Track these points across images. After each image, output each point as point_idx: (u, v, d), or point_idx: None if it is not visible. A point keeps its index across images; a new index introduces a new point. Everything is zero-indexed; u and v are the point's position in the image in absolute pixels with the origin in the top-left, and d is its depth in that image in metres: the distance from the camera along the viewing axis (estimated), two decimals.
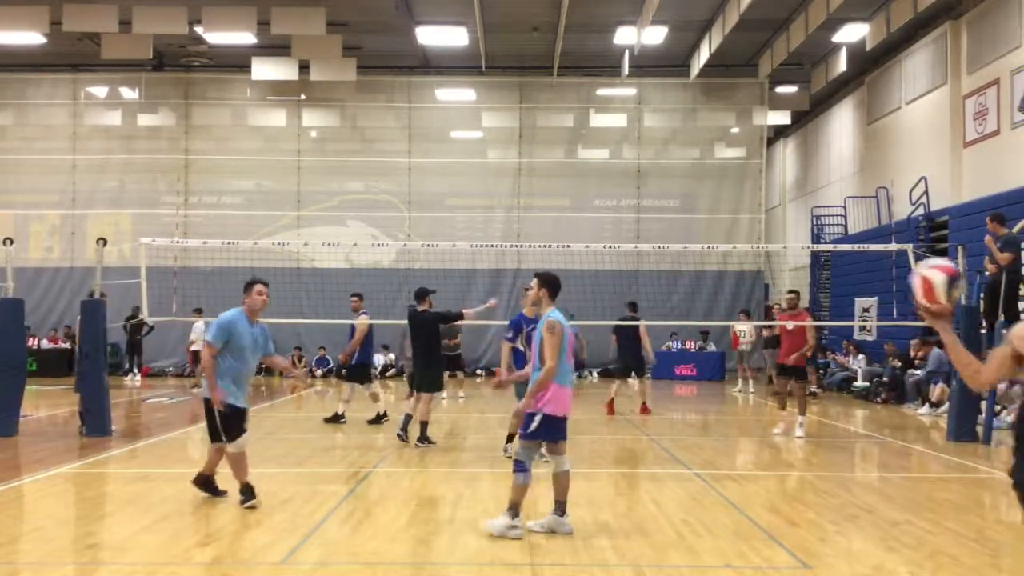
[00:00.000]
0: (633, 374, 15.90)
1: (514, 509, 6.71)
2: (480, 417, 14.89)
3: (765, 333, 20.28)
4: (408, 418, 11.67)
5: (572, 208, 26.38)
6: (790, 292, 14.00)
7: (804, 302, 24.25)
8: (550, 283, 7.10)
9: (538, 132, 26.58)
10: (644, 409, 15.47)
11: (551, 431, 6.82)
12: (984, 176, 18.49)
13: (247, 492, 7.77)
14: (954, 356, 3.98)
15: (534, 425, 6.74)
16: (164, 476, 9.45)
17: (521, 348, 9.77)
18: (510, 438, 10.28)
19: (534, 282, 7.25)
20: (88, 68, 25.70)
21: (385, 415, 13.70)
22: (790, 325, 12.92)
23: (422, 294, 11.89)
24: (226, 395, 7.70)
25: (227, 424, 7.74)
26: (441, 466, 10.23)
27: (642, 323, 15.91)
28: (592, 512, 7.62)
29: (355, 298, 13.83)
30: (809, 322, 13.06)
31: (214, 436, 7.84)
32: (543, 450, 7.46)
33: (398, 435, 11.56)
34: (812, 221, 26.12)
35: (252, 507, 7.62)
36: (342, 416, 13.52)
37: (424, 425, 11.42)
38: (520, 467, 6.73)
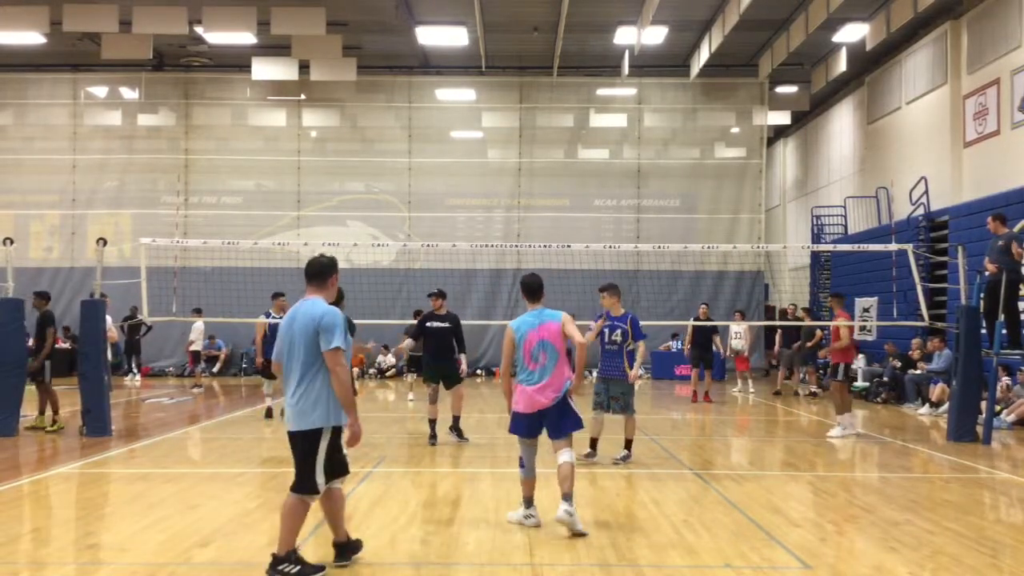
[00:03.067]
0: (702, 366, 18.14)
1: (526, 501, 7.17)
2: (480, 417, 14.89)
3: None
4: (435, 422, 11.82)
5: (572, 208, 26.38)
6: (832, 295, 14.12)
7: (804, 302, 24.36)
8: (529, 286, 7.40)
9: (538, 132, 26.58)
10: (707, 398, 17.94)
11: (513, 427, 7.23)
12: (984, 176, 18.49)
13: (355, 548, 6.08)
14: None
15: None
16: (164, 476, 9.45)
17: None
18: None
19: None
20: (88, 68, 25.70)
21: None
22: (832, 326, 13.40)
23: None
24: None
25: (341, 455, 5.89)
26: (441, 466, 10.24)
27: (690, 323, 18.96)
28: (592, 512, 7.62)
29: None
30: (842, 322, 13.04)
31: (304, 481, 5.74)
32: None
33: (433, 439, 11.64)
34: (812, 221, 26.13)
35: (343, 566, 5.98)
36: None
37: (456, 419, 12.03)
38: (520, 463, 7.23)
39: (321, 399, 5.64)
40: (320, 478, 5.68)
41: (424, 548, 6.42)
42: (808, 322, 20.06)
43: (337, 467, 5.80)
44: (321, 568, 5.75)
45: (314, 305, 5.77)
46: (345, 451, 5.89)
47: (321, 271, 5.94)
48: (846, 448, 11.91)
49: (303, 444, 5.68)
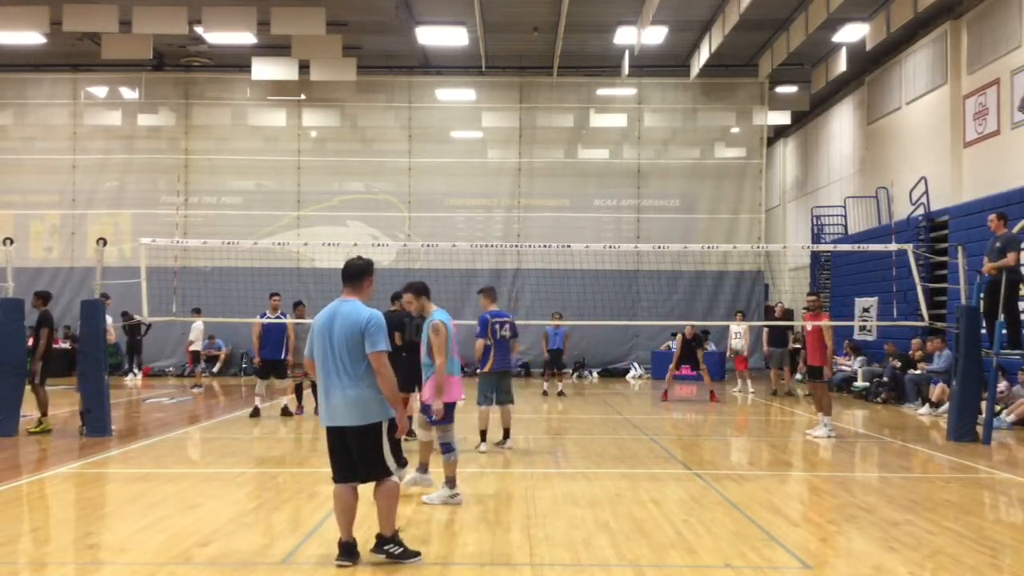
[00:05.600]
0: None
1: (451, 482, 7.91)
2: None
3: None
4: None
5: (572, 208, 26.37)
6: (810, 294, 14.09)
7: (803, 302, 24.33)
8: (424, 289, 8.24)
9: (538, 132, 26.57)
10: (713, 397, 18.15)
11: (451, 416, 8.05)
12: (984, 176, 18.49)
13: (401, 542, 6.18)
14: None
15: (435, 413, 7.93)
16: (164, 476, 9.45)
17: (489, 343, 11.02)
18: (483, 435, 11.19)
19: (409, 296, 8.12)
20: (88, 68, 25.70)
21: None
22: (808, 326, 13.21)
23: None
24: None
25: (398, 444, 6.44)
26: (440, 466, 10.22)
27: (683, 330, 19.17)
28: (592, 512, 7.62)
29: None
30: (825, 322, 13.05)
31: (384, 470, 6.05)
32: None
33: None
34: (812, 221, 26.13)
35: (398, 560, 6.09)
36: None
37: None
38: (447, 448, 7.94)
39: (376, 395, 5.93)
40: (391, 462, 6.06)
41: (424, 548, 6.41)
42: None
43: (398, 454, 5.96)
44: (417, 554, 6.13)
45: (356, 308, 6.02)
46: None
47: (357, 273, 6.18)
48: (846, 448, 11.91)
49: (365, 438, 5.94)
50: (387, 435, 6.03)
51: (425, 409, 8.12)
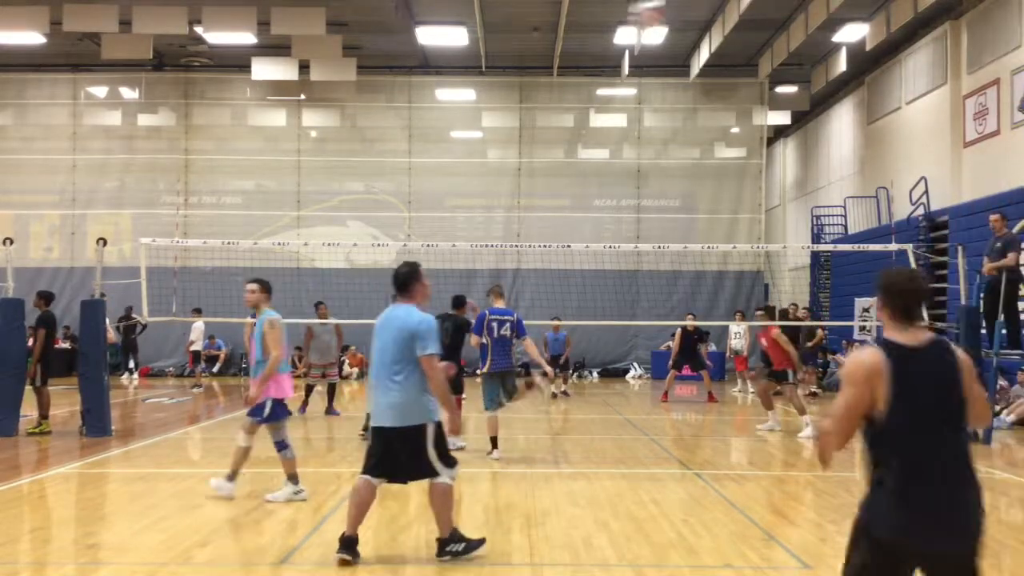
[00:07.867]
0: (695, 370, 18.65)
1: (293, 478, 7.89)
2: (480, 417, 14.87)
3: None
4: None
5: (572, 208, 26.37)
6: (758, 309, 14.32)
7: (804, 302, 24.35)
8: (269, 286, 8.26)
9: (538, 132, 26.58)
10: (712, 398, 17.88)
11: (281, 412, 7.93)
12: (984, 176, 18.49)
13: (461, 538, 6.20)
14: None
15: (267, 410, 7.79)
16: (164, 476, 9.45)
17: (485, 341, 10.58)
18: (494, 442, 10.72)
19: (254, 286, 8.12)
20: (88, 68, 25.70)
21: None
22: (764, 341, 13.70)
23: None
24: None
25: (446, 447, 6.16)
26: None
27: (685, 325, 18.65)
28: (592, 512, 7.62)
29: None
30: (777, 332, 13.55)
31: (429, 470, 6.01)
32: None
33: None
34: (812, 221, 26.13)
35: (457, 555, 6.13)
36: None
37: None
38: (281, 445, 7.88)
39: (417, 398, 5.95)
40: (437, 463, 5.98)
41: (425, 548, 6.41)
42: (808, 322, 20.06)
43: (445, 456, 6.05)
44: (482, 542, 6.20)
45: (408, 312, 6.09)
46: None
47: (404, 282, 6.25)
48: (846, 448, 11.87)
49: (406, 440, 5.95)
50: (436, 436, 5.99)
51: (254, 411, 7.86)
